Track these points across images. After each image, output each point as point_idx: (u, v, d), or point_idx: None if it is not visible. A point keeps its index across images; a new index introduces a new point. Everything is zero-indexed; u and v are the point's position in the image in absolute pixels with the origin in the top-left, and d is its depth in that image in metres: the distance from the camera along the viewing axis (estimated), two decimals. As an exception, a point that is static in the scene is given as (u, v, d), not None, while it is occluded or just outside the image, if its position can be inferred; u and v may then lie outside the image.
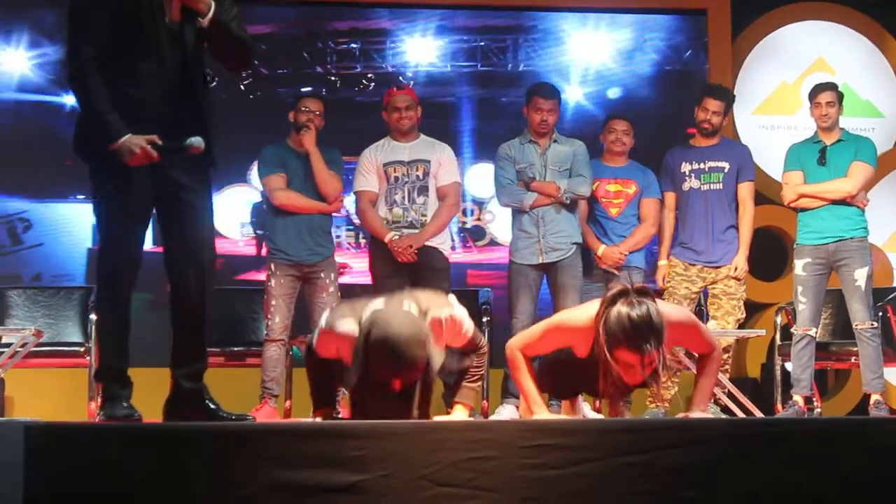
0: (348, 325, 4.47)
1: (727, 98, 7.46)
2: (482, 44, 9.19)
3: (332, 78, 9.01)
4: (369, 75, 9.04)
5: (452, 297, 4.77)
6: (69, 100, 8.06)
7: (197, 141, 4.44)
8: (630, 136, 7.44)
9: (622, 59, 9.20)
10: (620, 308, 4.32)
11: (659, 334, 4.31)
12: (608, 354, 4.34)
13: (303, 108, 7.14)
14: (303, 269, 7.10)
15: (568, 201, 7.02)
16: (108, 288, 4.51)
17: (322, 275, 7.11)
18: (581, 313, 4.60)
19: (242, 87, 8.67)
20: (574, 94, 9.11)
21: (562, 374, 4.85)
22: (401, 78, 8.95)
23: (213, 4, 4.45)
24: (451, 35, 9.13)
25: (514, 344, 4.79)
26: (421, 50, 9.10)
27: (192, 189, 4.53)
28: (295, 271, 7.10)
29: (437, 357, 4.42)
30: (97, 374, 4.64)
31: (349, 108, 8.69)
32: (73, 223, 8.47)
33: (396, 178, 7.04)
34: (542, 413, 4.74)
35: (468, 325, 4.68)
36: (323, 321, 4.69)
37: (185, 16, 4.46)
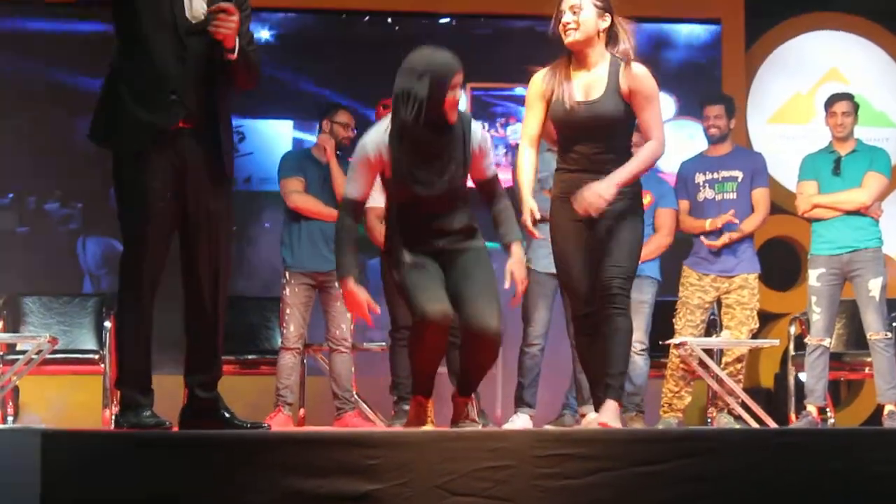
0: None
1: (723, 101, 7.49)
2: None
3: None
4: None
5: None
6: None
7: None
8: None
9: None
10: None
11: None
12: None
13: (338, 121, 7.22)
14: (317, 277, 7.12)
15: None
16: (130, 291, 4.51)
17: (336, 284, 7.11)
18: None
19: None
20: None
21: None
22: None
23: (238, 41, 4.48)
24: (461, 43, 9.12)
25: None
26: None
27: (213, 196, 4.54)
28: (310, 280, 7.12)
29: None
30: (118, 382, 4.59)
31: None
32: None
33: None
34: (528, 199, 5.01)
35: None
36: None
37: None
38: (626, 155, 5.03)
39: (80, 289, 8.51)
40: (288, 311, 7.12)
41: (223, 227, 4.59)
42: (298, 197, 7.12)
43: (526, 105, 5.16)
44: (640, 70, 4.98)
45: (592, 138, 4.98)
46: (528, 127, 5.13)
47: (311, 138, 8.71)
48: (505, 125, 9.16)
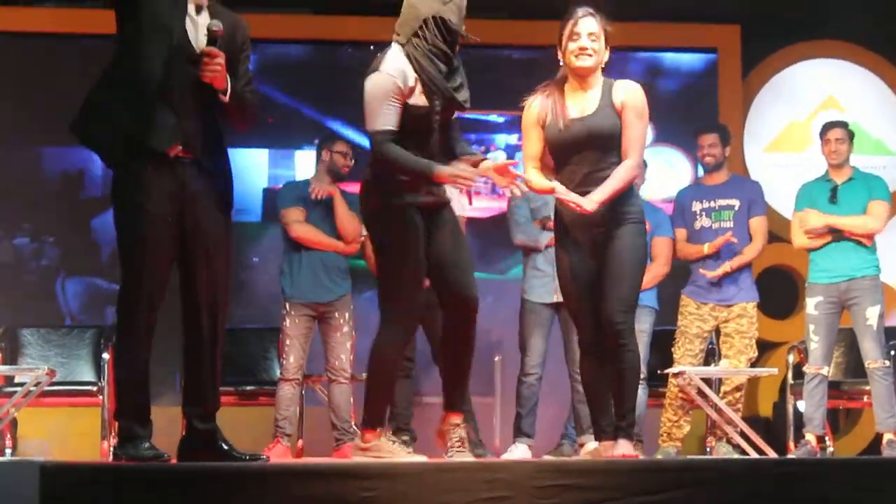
0: None
1: (717, 130, 7.53)
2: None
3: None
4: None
5: None
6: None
7: (216, 23, 4.48)
8: (640, 177, 7.44)
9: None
10: None
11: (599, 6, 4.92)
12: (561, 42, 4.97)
13: (337, 150, 7.22)
14: (318, 308, 7.13)
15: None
16: (129, 320, 4.50)
17: (336, 314, 7.14)
18: None
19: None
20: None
21: None
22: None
23: (229, 82, 4.50)
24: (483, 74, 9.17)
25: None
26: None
27: (213, 225, 4.55)
28: (310, 310, 7.12)
29: None
30: (117, 413, 4.58)
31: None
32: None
33: None
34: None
35: None
36: None
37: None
38: None
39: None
40: (288, 342, 7.12)
41: (223, 256, 4.60)
42: (300, 227, 7.13)
43: (523, 132, 5.20)
44: (635, 85, 5.10)
45: (588, 154, 5.02)
46: (529, 149, 5.17)
47: (287, 172, 8.71)
48: (485, 154, 9.14)
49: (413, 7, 4.83)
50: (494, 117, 9.05)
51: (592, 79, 5.07)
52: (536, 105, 5.11)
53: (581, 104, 5.05)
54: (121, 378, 4.58)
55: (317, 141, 7.66)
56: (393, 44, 4.86)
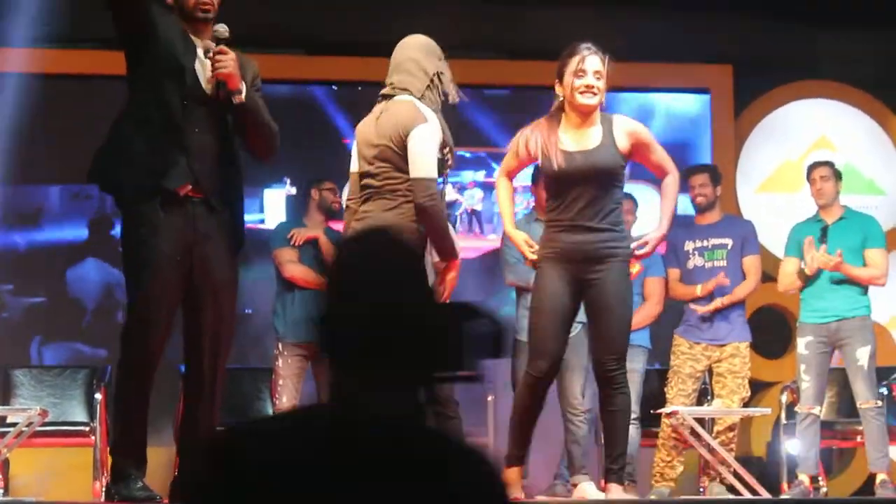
0: None
1: (707, 170, 7.61)
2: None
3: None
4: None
5: None
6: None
7: (222, 26, 4.58)
8: (633, 215, 7.50)
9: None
10: None
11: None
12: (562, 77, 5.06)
13: (326, 188, 7.25)
14: (310, 347, 7.13)
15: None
16: (132, 356, 4.51)
17: None
18: None
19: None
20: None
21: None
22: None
23: (244, 84, 4.57)
24: (455, 111, 9.19)
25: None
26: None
27: (220, 268, 4.58)
28: (303, 350, 7.14)
29: None
30: (113, 449, 4.60)
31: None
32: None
33: None
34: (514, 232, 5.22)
35: None
36: None
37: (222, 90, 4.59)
38: (618, 208, 5.14)
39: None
40: (281, 381, 7.14)
41: (228, 297, 4.64)
42: (294, 267, 7.16)
43: (509, 149, 5.33)
44: (632, 120, 5.28)
45: (588, 188, 5.08)
46: (506, 164, 5.33)
47: (256, 215, 8.68)
48: (461, 190, 9.18)
49: (416, 62, 4.88)
50: (462, 153, 9.02)
51: (593, 115, 5.14)
52: (529, 135, 5.17)
53: (582, 139, 5.11)
54: (119, 414, 4.59)
55: (303, 182, 7.66)
56: (408, 97, 4.85)
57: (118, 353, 4.65)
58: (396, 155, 4.73)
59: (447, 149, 4.82)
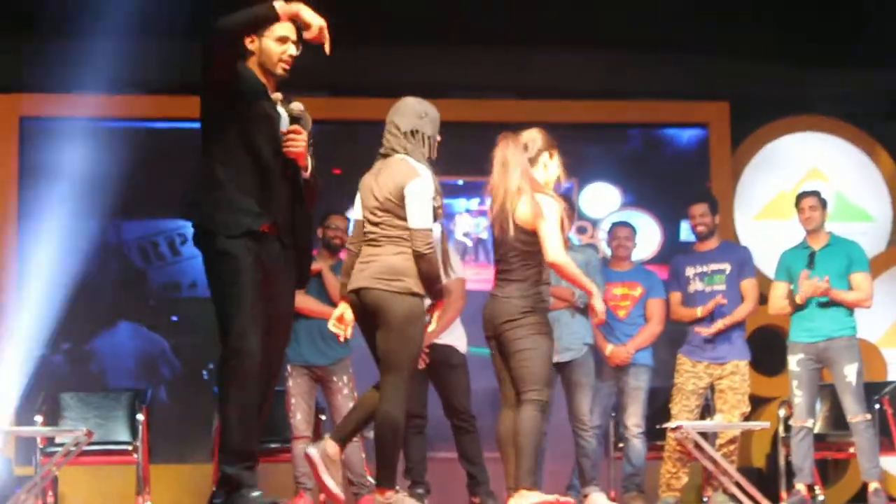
0: None
1: (706, 199, 7.73)
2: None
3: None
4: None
5: None
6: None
7: (298, 105, 4.80)
8: (632, 241, 7.75)
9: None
10: None
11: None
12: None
13: (332, 226, 7.44)
14: (317, 371, 7.38)
15: (582, 306, 7.11)
16: (247, 368, 4.65)
17: (335, 378, 7.37)
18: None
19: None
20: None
21: None
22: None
23: (311, 162, 4.85)
24: (454, 145, 9.36)
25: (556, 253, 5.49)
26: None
27: (285, 299, 4.86)
28: (310, 372, 7.39)
29: None
30: (224, 459, 4.64)
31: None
32: None
33: None
34: (598, 296, 5.58)
35: None
36: None
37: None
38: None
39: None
40: (293, 400, 7.35)
41: (286, 330, 4.92)
42: (299, 298, 7.31)
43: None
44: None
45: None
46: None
47: None
48: (451, 217, 9.25)
49: (397, 126, 5.30)
50: (455, 181, 9.16)
51: None
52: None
53: None
54: (232, 421, 4.64)
55: None
56: (400, 155, 5.27)
57: (216, 375, 4.79)
58: (397, 206, 5.22)
59: (438, 196, 5.27)
